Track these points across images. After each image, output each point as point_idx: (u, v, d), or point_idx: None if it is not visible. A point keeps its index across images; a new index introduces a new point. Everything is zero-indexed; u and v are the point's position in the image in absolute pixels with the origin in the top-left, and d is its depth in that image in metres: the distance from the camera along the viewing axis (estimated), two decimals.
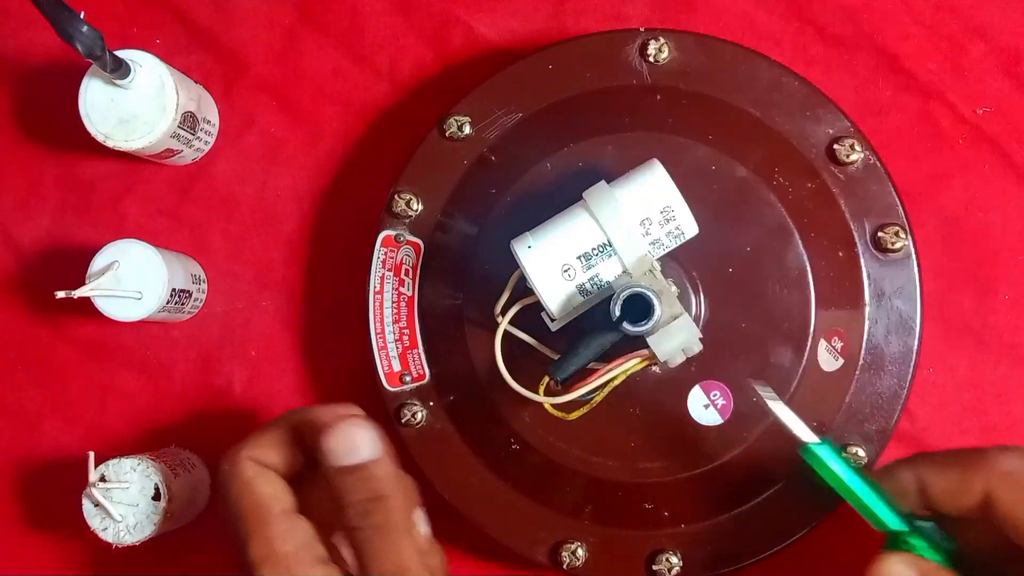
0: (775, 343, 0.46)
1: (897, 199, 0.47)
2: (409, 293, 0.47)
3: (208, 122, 0.50)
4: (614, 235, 0.41)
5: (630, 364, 0.42)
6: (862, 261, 0.46)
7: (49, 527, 0.51)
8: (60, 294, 0.45)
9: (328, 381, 0.51)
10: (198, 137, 0.50)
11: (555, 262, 0.42)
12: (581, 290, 0.42)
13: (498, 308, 0.44)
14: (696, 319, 0.46)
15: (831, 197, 0.46)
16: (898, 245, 0.46)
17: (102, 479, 0.46)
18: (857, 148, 0.46)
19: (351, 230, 0.51)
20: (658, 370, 0.46)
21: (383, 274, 0.47)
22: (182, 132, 0.48)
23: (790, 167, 0.46)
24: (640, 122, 0.47)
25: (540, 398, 0.42)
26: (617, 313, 0.40)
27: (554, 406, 0.42)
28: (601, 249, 0.42)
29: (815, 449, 0.41)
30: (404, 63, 0.52)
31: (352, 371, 0.51)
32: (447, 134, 0.47)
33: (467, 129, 0.47)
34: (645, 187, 0.42)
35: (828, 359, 0.46)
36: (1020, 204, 0.50)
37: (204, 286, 0.51)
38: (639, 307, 0.41)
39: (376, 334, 0.47)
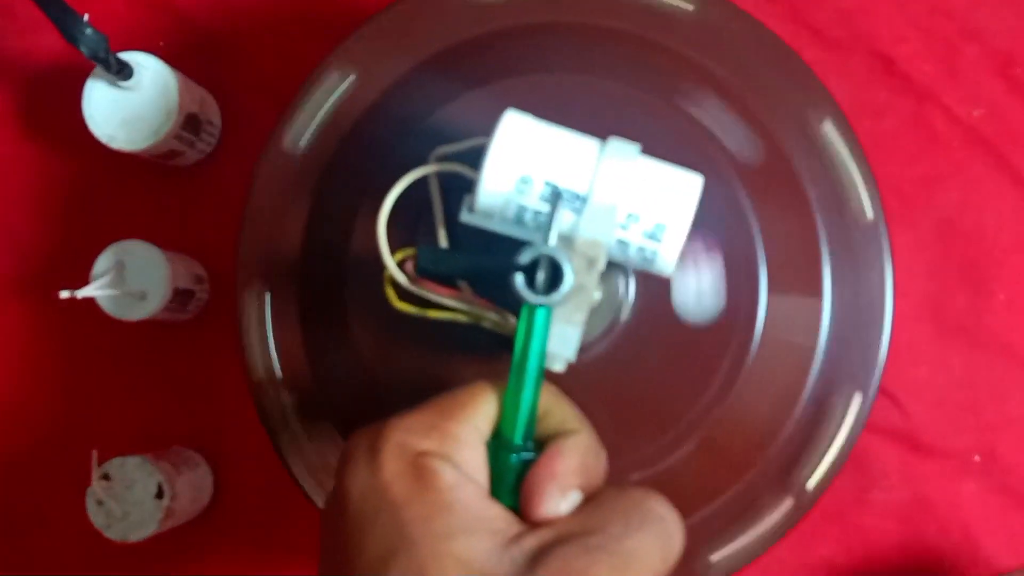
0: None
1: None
2: None
3: (211, 123, 0.51)
4: (596, 198, 0.33)
5: (487, 312, 0.36)
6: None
7: (52, 525, 0.52)
8: (64, 294, 0.45)
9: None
10: (201, 138, 0.50)
11: (524, 162, 0.34)
12: (517, 210, 0.34)
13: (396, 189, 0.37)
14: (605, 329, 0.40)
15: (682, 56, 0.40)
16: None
17: (105, 477, 0.46)
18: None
19: None
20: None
21: None
22: (185, 134, 0.48)
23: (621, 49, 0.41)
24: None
25: (389, 261, 0.35)
26: (522, 262, 0.32)
27: (393, 283, 0.36)
28: (573, 197, 0.34)
29: (541, 312, 0.33)
30: None
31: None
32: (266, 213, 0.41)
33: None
34: (665, 188, 0.34)
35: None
36: (1014, 205, 0.51)
37: (206, 286, 0.51)
38: (546, 277, 0.33)
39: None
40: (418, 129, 0.40)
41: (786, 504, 0.41)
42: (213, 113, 0.51)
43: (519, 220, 0.34)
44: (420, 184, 0.37)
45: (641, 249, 0.34)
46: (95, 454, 0.46)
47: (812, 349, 0.41)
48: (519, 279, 0.32)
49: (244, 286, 0.42)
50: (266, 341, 0.43)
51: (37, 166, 0.52)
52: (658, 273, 0.35)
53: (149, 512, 0.46)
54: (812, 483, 0.42)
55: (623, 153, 0.34)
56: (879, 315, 0.42)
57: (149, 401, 0.52)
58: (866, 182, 0.42)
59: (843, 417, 0.42)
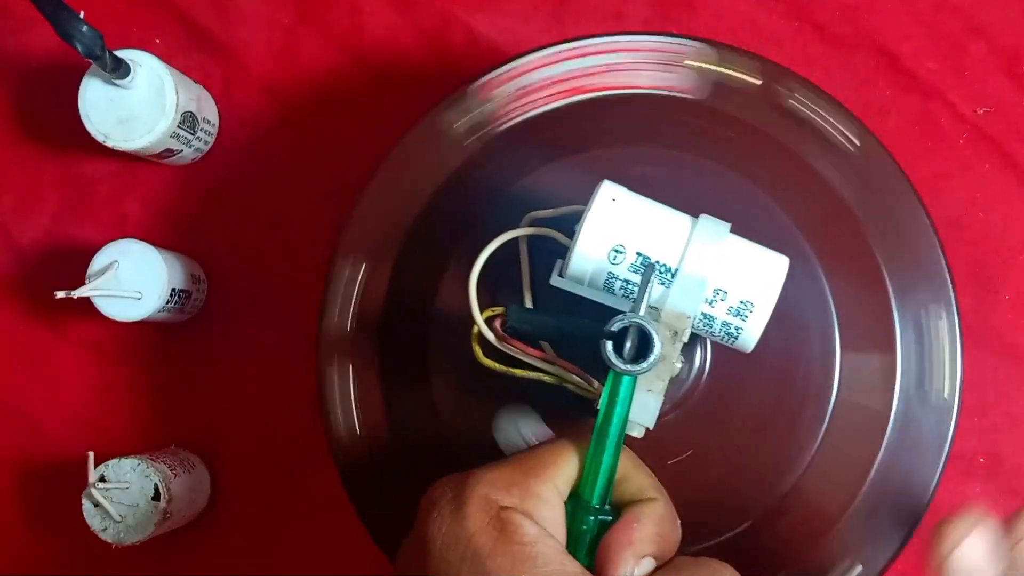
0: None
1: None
2: None
3: (208, 122, 0.50)
4: (686, 272, 0.35)
5: (571, 376, 0.38)
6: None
7: (49, 527, 0.51)
8: (60, 294, 0.45)
9: None
10: (198, 137, 0.50)
11: (619, 232, 0.35)
12: (608, 278, 0.36)
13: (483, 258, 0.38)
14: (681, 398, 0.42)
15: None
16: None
17: (102, 479, 0.46)
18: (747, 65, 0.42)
19: None
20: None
21: None
22: (182, 132, 0.48)
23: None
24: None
25: (479, 317, 0.37)
26: (613, 329, 0.33)
27: (479, 337, 0.37)
28: (663, 270, 0.35)
29: (627, 380, 0.34)
30: (404, 63, 0.52)
31: None
32: (340, 299, 0.43)
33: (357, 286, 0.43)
34: (754, 266, 0.36)
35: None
36: (1020, 204, 0.50)
37: (204, 286, 0.51)
38: (634, 346, 0.34)
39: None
40: (505, 195, 0.42)
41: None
42: (210, 111, 0.51)
43: (608, 288, 0.36)
44: (501, 250, 0.39)
45: (726, 324, 0.36)
46: (91, 455, 0.46)
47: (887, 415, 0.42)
48: (608, 346, 0.33)
49: (327, 347, 0.43)
50: (348, 397, 0.43)
51: (32, 165, 0.52)
52: (739, 348, 0.37)
53: (146, 514, 0.46)
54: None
55: (714, 230, 0.36)
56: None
57: (146, 402, 0.51)
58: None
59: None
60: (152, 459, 0.47)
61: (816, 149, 0.42)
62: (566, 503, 0.34)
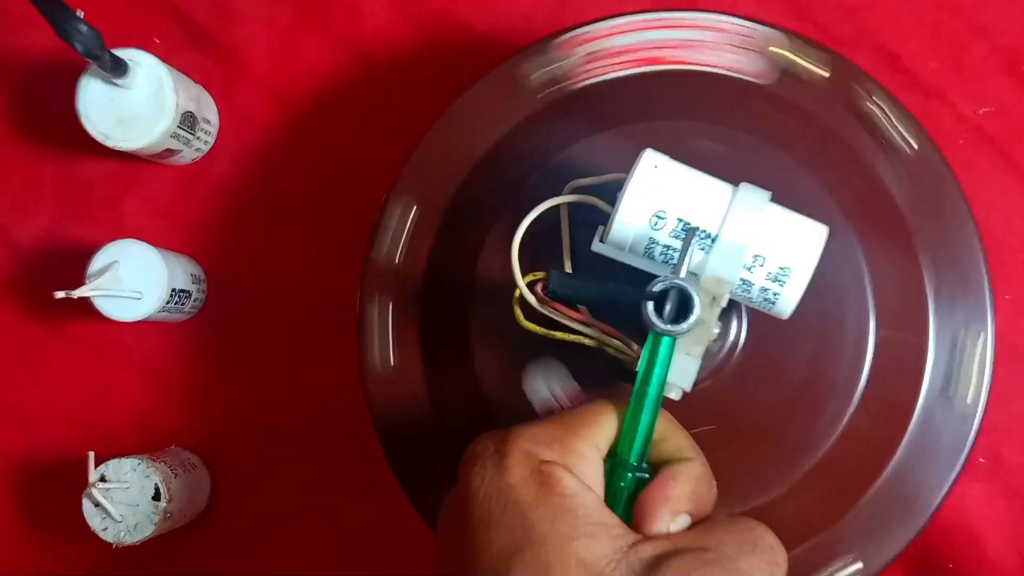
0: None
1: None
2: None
3: (207, 122, 0.50)
4: (725, 239, 0.36)
5: (611, 340, 0.38)
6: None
7: (49, 527, 0.51)
8: (59, 294, 0.45)
9: (328, 382, 0.51)
10: (197, 137, 0.50)
11: (661, 198, 0.36)
12: (649, 243, 0.36)
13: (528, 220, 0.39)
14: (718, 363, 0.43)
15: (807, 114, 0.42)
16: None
17: (102, 479, 0.46)
18: (814, 53, 0.43)
19: (351, 230, 0.51)
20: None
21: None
22: (181, 132, 0.48)
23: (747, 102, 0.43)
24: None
25: (521, 281, 0.37)
26: (655, 290, 0.34)
27: (521, 300, 0.38)
28: (704, 236, 0.36)
29: (666, 341, 0.35)
30: (404, 63, 0.52)
31: (351, 370, 0.51)
32: (382, 258, 0.43)
33: (401, 245, 0.43)
34: (793, 232, 0.36)
35: None
36: (1020, 204, 0.50)
37: (204, 286, 0.51)
38: (674, 308, 0.35)
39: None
40: (549, 165, 0.42)
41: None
42: (210, 111, 0.51)
43: (648, 254, 0.37)
44: (542, 217, 0.39)
45: (764, 290, 0.36)
46: (91, 455, 0.46)
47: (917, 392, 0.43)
48: (650, 307, 0.34)
49: (367, 302, 0.43)
50: (388, 356, 0.44)
51: (31, 164, 0.52)
52: (776, 315, 0.37)
53: (146, 514, 0.46)
54: None
55: (754, 198, 0.36)
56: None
57: (146, 402, 0.51)
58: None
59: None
60: (152, 459, 0.47)
61: (872, 145, 0.43)
62: (605, 461, 0.34)
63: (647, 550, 0.31)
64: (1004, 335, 0.50)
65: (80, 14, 0.41)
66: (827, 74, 0.43)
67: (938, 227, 0.43)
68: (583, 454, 0.33)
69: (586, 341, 0.38)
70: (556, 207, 0.40)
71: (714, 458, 0.36)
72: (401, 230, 0.43)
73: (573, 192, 0.40)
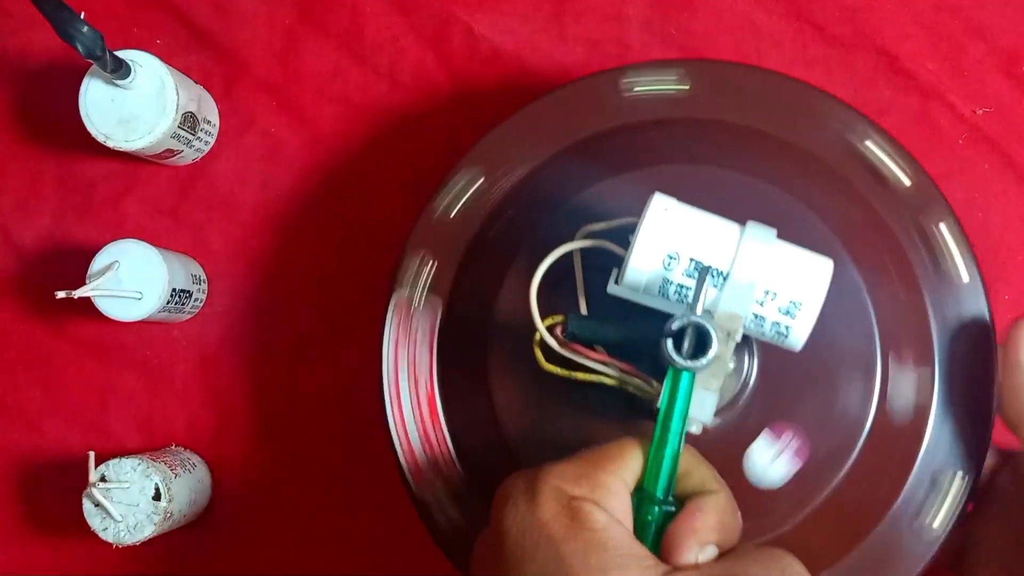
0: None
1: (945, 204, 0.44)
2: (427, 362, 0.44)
3: (208, 122, 0.50)
4: (737, 276, 0.37)
5: (631, 378, 0.39)
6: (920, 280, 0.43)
7: (49, 527, 0.51)
8: (60, 294, 0.45)
9: (328, 382, 0.51)
10: (198, 137, 0.50)
11: (672, 240, 0.37)
12: (663, 284, 0.38)
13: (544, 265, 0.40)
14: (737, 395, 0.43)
15: (876, 214, 0.43)
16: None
17: (102, 479, 0.46)
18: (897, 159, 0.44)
19: (351, 230, 0.51)
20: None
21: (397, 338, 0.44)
22: (182, 132, 0.48)
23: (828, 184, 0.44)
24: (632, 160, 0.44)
25: (540, 325, 0.39)
26: (674, 328, 0.35)
27: (541, 343, 0.39)
28: (716, 274, 0.37)
29: (686, 376, 0.36)
30: (404, 63, 0.52)
31: (351, 371, 0.51)
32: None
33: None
34: (800, 267, 0.37)
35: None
36: (1019, 204, 0.50)
37: (204, 286, 0.51)
38: (692, 344, 0.36)
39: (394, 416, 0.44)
40: (561, 209, 0.43)
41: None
42: (211, 112, 0.51)
43: (663, 293, 0.38)
44: (556, 261, 0.40)
45: (776, 324, 0.38)
46: (92, 455, 0.46)
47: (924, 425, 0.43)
48: (669, 344, 0.35)
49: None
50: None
51: (33, 164, 0.52)
52: (789, 347, 0.38)
53: (146, 514, 0.46)
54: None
55: (762, 235, 0.37)
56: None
57: (147, 402, 0.51)
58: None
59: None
60: (152, 459, 0.47)
61: (872, 182, 0.44)
62: (632, 495, 0.35)
63: None
64: (1003, 336, 0.50)
65: (82, 15, 0.42)
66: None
67: (934, 261, 0.44)
68: (611, 489, 0.34)
69: (607, 380, 0.39)
70: (570, 254, 0.41)
71: (737, 489, 0.37)
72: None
73: (586, 237, 0.41)
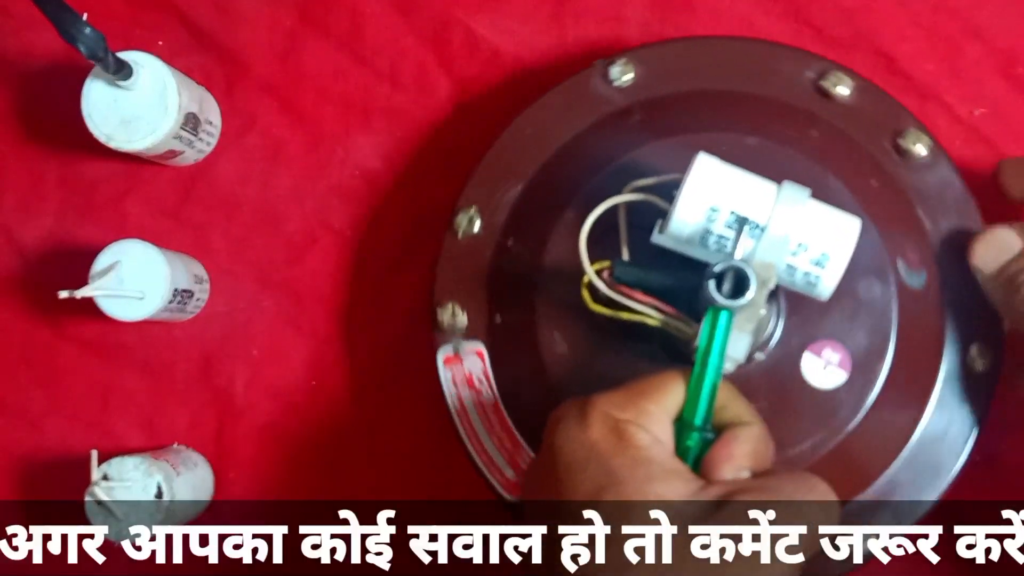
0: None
1: (903, 108, 0.47)
2: (491, 399, 0.46)
3: (210, 123, 0.50)
4: (773, 229, 0.40)
5: (674, 320, 0.41)
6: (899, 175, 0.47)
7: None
8: (63, 294, 0.45)
9: (328, 382, 0.51)
10: (200, 138, 0.50)
11: (715, 194, 0.40)
12: (704, 234, 0.41)
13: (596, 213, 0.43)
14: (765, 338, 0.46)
15: (838, 130, 0.47)
16: (919, 148, 0.46)
17: (104, 478, 0.46)
18: (844, 79, 0.47)
19: (351, 230, 0.51)
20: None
21: (458, 392, 0.47)
22: (184, 133, 0.48)
23: (785, 118, 0.47)
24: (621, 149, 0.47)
25: (589, 268, 0.41)
26: (716, 270, 0.39)
27: (589, 286, 0.41)
28: (754, 227, 0.40)
29: (725, 314, 0.39)
30: (404, 64, 0.52)
31: (352, 370, 0.51)
32: (460, 235, 0.47)
33: (477, 223, 0.47)
34: (830, 224, 0.40)
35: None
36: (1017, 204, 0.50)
37: (206, 286, 0.51)
38: (732, 285, 0.39)
39: (477, 452, 0.46)
40: (609, 168, 0.46)
41: None
42: (212, 112, 0.51)
43: (703, 243, 0.41)
44: (598, 218, 0.43)
45: (807, 274, 0.41)
46: (94, 453, 0.46)
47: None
48: (711, 285, 0.38)
49: (441, 295, 0.47)
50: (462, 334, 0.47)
51: (35, 165, 0.52)
52: (817, 296, 0.41)
53: (148, 513, 0.46)
54: None
55: (797, 193, 0.41)
56: None
57: (149, 401, 0.51)
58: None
59: None
60: (154, 458, 0.47)
61: (894, 155, 0.47)
62: (673, 424, 0.38)
63: (716, 489, 0.36)
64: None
65: (84, 17, 0.42)
66: (855, 97, 0.47)
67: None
68: (654, 415, 0.38)
69: (649, 321, 0.41)
70: (612, 208, 0.43)
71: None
72: (471, 227, 0.47)
73: (634, 191, 0.43)
